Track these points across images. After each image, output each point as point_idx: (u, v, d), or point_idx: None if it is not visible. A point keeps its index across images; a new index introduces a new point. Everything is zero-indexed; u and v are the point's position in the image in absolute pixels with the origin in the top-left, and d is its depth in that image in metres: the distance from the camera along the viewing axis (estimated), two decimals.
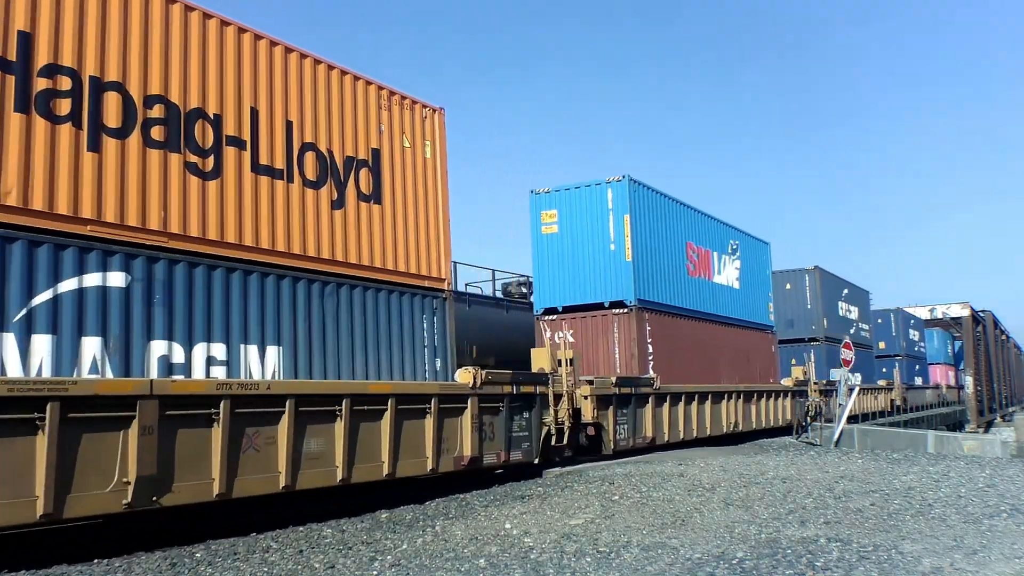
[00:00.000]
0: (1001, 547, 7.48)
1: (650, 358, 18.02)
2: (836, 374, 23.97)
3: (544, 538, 8.27)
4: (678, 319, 19.91)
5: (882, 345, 42.73)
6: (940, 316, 53.96)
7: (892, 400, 37.06)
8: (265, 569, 7.37)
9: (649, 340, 18.16)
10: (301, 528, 9.43)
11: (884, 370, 41.47)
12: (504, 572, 6.89)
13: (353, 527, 9.46)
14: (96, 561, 7.76)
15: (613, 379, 16.03)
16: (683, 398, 18.56)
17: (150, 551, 8.19)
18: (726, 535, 8.20)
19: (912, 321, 48.96)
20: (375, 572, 7.14)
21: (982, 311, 54.67)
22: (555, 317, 18.66)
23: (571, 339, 17.48)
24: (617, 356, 17.86)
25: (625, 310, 18.03)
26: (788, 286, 30.95)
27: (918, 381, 47.33)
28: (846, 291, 35.70)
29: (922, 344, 51.33)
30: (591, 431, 15.43)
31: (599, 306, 18.29)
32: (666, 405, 17.73)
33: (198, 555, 8.01)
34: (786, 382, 25.81)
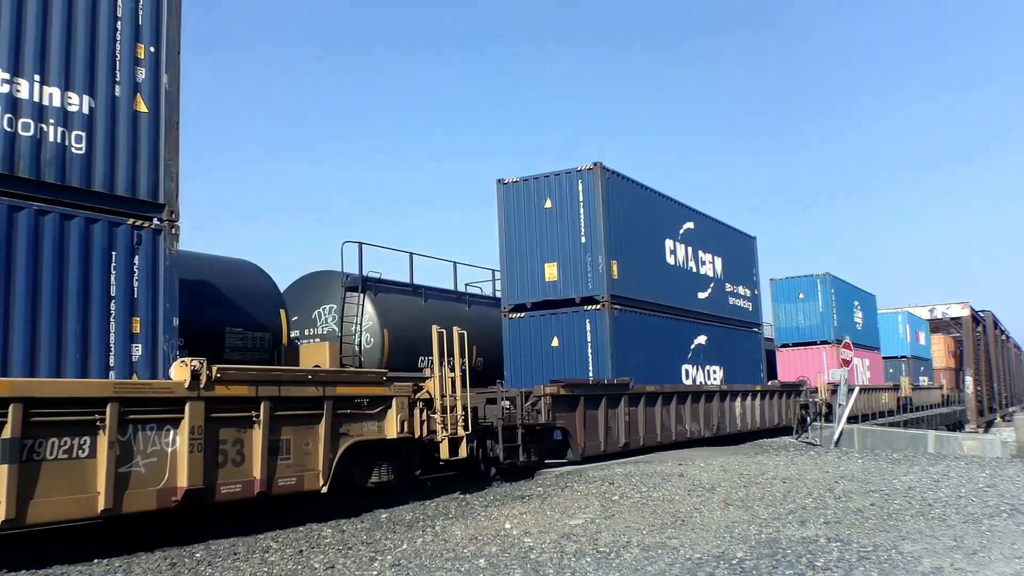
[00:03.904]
0: (1001, 547, 7.49)
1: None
2: (836, 374, 23.98)
3: (544, 538, 8.27)
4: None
5: (705, 295, 22.12)
6: (940, 316, 53.76)
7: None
8: (265, 569, 7.37)
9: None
10: (301, 528, 9.43)
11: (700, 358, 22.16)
12: (504, 572, 6.89)
13: (353, 527, 9.46)
14: (96, 561, 7.77)
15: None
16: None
17: (150, 551, 8.20)
18: (726, 535, 8.20)
19: (731, 239, 24.69)
20: (375, 572, 7.14)
21: (982, 311, 54.66)
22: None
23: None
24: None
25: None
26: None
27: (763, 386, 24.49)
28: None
29: (795, 309, 31.36)
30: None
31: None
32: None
33: (198, 555, 8.01)
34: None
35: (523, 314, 17.73)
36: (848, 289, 31.68)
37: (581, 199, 17.23)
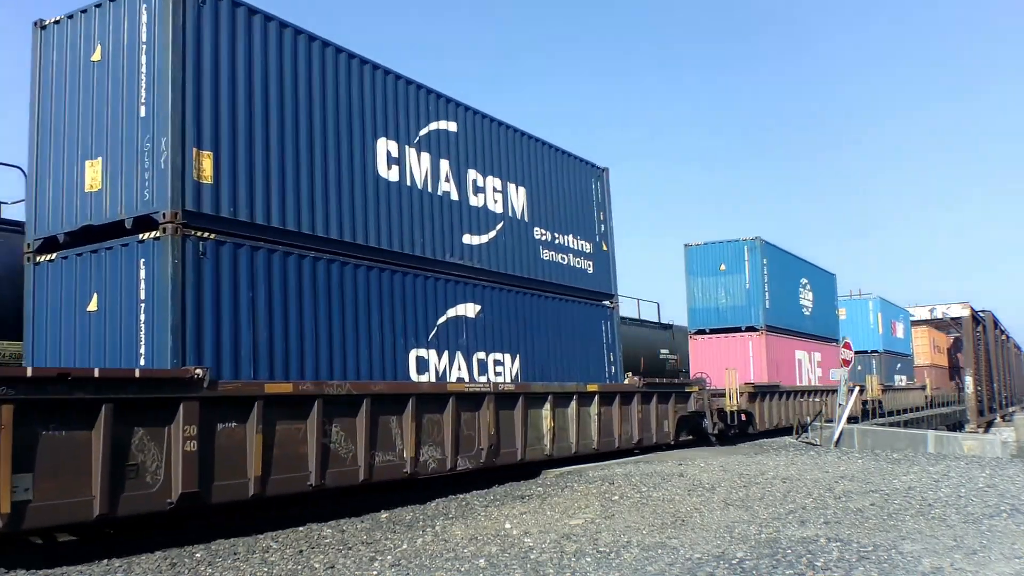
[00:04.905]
0: (1001, 547, 7.49)
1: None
2: (836, 374, 23.99)
3: (544, 538, 8.28)
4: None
5: (482, 240, 14.14)
6: (940, 316, 53.66)
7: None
8: (265, 569, 7.38)
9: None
10: (301, 528, 9.43)
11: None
12: (504, 572, 6.89)
13: (353, 527, 9.46)
14: (96, 561, 7.77)
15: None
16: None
17: (150, 551, 8.20)
18: (726, 535, 8.21)
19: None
20: (375, 572, 7.15)
21: (982, 311, 54.63)
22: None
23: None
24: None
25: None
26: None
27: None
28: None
29: (715, 285, 24.40)
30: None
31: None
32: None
33: (198, 555, 8.02)
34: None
35: (53, 255, 9.95)
36: (790, 261, 24.61)
37: (143, 39, 9.53)
